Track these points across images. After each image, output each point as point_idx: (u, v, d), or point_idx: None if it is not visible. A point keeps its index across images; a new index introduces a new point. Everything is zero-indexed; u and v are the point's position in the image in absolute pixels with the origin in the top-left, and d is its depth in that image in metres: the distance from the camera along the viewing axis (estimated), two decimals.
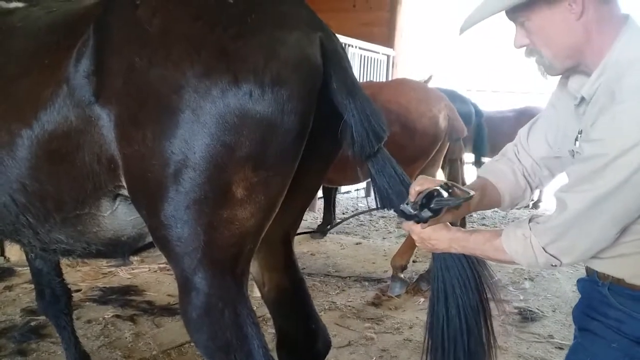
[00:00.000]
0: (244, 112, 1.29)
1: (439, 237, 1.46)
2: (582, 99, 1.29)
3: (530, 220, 1.32)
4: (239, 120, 1.29)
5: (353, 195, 8.15)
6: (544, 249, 1.27)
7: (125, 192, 1.50)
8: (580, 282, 1.44)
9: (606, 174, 1.15)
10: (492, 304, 1.57)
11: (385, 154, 1.54)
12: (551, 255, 1.27)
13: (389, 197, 1.54)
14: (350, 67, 1.55)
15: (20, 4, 2.07)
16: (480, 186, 1.53)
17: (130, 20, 1.38)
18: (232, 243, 1.43)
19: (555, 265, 1.29)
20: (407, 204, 1.42)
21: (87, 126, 1.41)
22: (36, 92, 1.47)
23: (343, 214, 6.69)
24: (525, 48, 1.34)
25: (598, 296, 1.35)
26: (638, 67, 1.18)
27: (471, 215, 5.50)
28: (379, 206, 1.59)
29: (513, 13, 1.29)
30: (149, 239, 1.68)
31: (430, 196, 1.37)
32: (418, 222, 1.43)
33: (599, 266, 1.34)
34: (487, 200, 1.55)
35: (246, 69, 1.28)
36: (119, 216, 1.59)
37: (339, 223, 2.27)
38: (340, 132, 1.49)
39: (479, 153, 5.41)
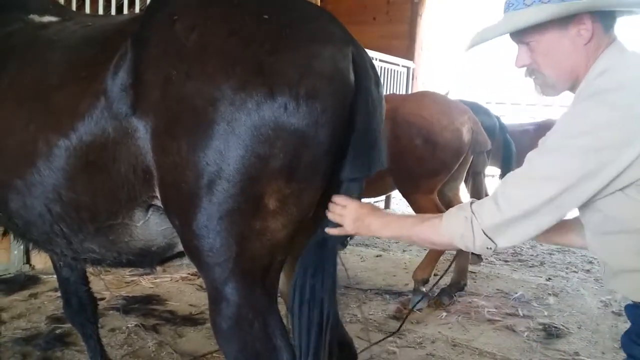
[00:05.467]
0: (278, 124, 1.30)
1: (375, 217, 1.51)
2: None
3: (472, 204, 1.37)
4: (273, 133, 1.30)
5: None
6: (483, 231, 1.31)
7: (158, 202, 1.52)
8: (628, 308, 1.42)
9: (568, 164, 1.23)
10: None
11: (361, 187, 1.55)
12: (489, 237, 1.31)
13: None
14: (378, 86, 1.54)
15: (53, 18, 2.12)
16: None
17: (167, 35, 1.41)
18: (263, 254, 1.44)
19: (490, 248, 1.33)
20: None
21: (124, 138, 1.43)
22: (74, 104, 1.50)
23: None
24: (525, 68, 1.42)
25: None
26: (602, 77, 1.28)
27: None
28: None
29: (522, 34, 1.37)
30: (178, 249, 1.70)
31: None
32: None
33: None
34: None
35: (282, 82, 1.30)
36: (151, 226, 1.61)
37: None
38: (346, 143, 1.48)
39: (507, 168, 5.37)
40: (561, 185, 1.23)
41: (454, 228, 1.38)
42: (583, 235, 1.46)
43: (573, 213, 1.49)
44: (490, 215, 1.31)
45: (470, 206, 1.36)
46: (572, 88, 1.39)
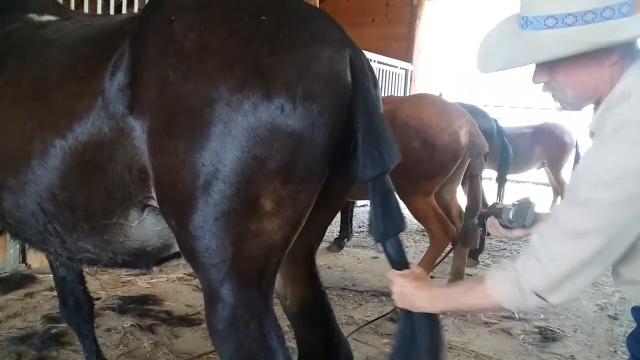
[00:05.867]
0: (275, 126, 1.30)
1: (420, 294, 1.47)
2: (591, 133, 1.33)
3: (513, 262, 1.33)
4: (270, 134, 1.30)
5: (370, 208, 8.12)
6: (535, 293, 1.27)
7: (153, 202, 1.52)
8: (634, 310, 1.42)
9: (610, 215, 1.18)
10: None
11: (388, 183, 1.53)
12: (541, 297, 1.27)
13: (379, 225, 1.55)
14: (376, 87, 1.54)
15: (52, 18, 2.12)
16: None
17: (165, 35, 1.40)
18: (259, 255, 1.44)
19: (542, 306, 1.30)
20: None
21: (120, 137, 1.43)
22: (71, 103, 1.50)
23: (359, 227, 6.67)
24: (543, 84, 1.37)
25: None
26: (625, 104, 1.21)
27: None
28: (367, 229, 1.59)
29: None
30: (174, 249, 1.70)
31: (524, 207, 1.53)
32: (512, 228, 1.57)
33: None
34: None
35: (279, 83, 1.30)
36: (146, 226, 1.61)
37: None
38: (351, 149, 1.47)
39: (503, 171, 5.37)
40: (605, 237, 1.19)
41: (501, 292, 1.33)
42: None
43: None
44: (538, 277, 1.26)
45: (513, 266, 1.32)
46: (596, 104, 1.35)
